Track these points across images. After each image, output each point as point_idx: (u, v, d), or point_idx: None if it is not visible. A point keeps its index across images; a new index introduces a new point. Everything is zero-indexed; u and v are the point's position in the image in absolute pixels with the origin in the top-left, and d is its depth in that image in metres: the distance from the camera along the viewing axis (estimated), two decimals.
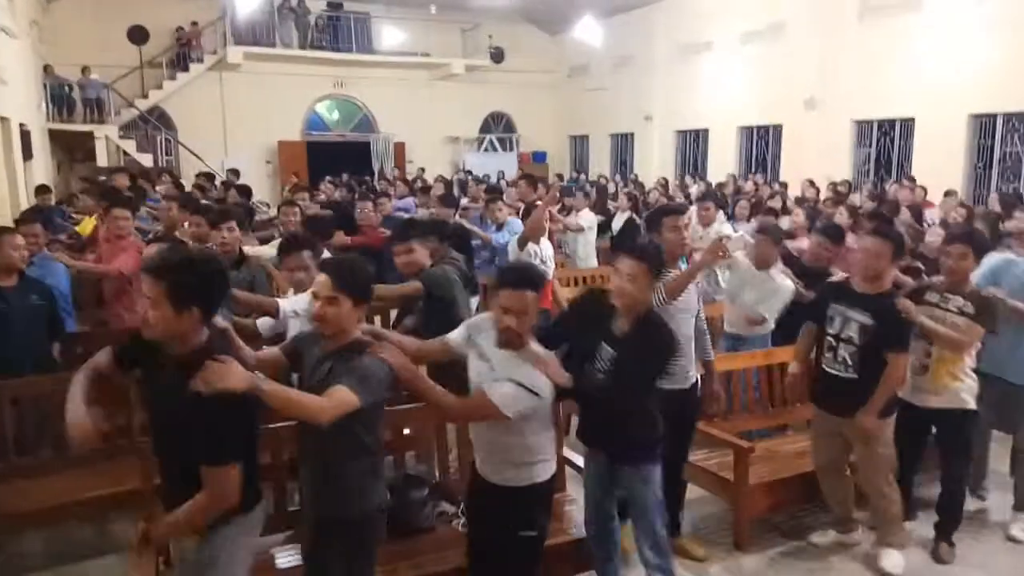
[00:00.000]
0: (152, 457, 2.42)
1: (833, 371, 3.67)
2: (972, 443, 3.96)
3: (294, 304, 3.68)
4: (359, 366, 2.36)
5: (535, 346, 2.67)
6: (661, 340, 2.96)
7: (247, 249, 4.88)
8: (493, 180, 17.34)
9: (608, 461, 3.12)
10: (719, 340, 5.34)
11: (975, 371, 3.86)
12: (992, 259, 4.33)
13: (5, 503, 3.52)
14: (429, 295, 3.97)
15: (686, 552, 3.84)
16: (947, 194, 10.22)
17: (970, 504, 4.23)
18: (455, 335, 2.85)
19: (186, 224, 5.76)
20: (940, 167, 12.01)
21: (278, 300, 3.63)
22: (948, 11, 12.04)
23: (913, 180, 11.18)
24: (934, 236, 5.57)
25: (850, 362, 3.59)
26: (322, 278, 2.46)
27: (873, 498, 3.76)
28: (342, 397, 2.27)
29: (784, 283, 4.72)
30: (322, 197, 11.11)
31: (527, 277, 2.64)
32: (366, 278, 2.55)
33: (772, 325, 4.75)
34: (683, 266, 3.75)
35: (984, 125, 12.16)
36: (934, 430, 3.93)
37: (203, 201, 8.77)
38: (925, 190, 10.55)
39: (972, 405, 3.80)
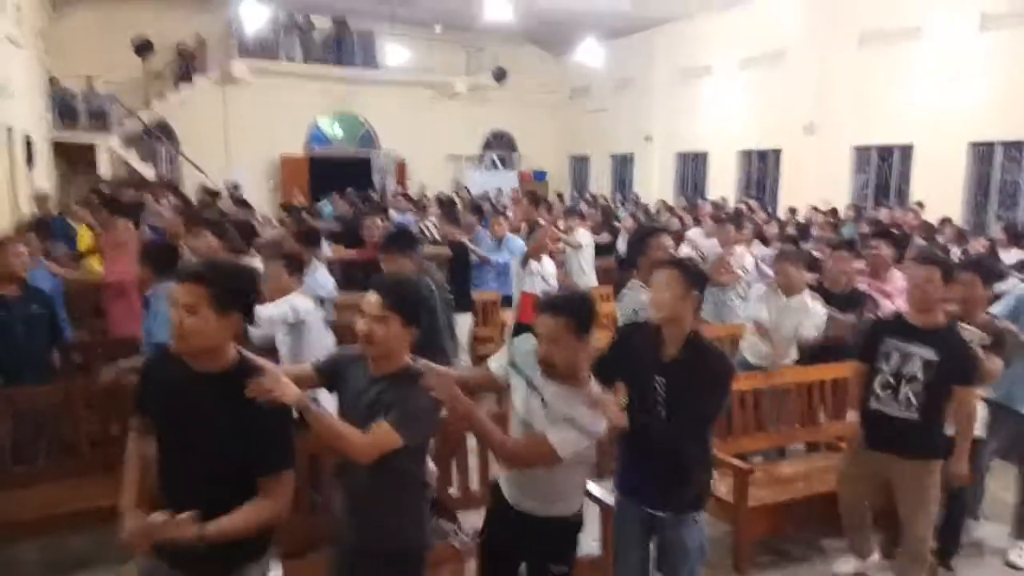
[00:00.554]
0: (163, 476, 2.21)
1: (889, 411, 3.48)
2: (977, 470, 3.95)
3: (270, 311, 3.76)
4: (408, 401, 2.29)
5: (593, 386, 2.56)
6: (714, 363, 2.77)
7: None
8: (493, 197, 17.41)
9: (651, 509, 2.91)
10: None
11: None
12: (1018, 291, 4.32)
13: (1, 511, 3.50)
14: None
15: None
16: (943, 222, 10.32)
17: (967, 529, 4.23)
18: (496, 362, 2.76)
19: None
20: (939, 194, 12.09)
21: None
22: (947, 39, 12.16)
23: (921, 205, 11.30)
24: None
25: (914, 401, 3.40)
26: (372, 296, 2.36)
27: (911, 540, 3.55)
28: (384, 438, 2.23)
29: (816, 306, 4.67)
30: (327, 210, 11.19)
31: (558, 303, 2.49)
32: (417, 299, 2.46)
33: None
34: None
35: (983, 153, 12.24)
36: None
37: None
38: (918, 214, 10.64)
39: (981, 434, 3.80)
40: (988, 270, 3.95)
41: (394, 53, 19.58)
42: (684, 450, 2.79)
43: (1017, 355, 3.83)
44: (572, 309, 2.46)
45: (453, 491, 3.72)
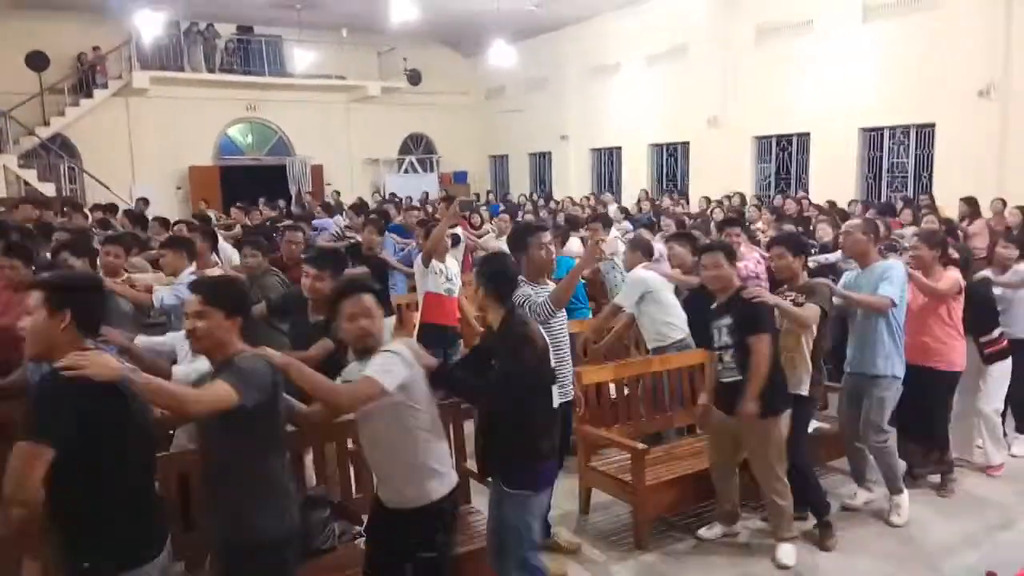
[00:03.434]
0: None
1: (726, 379, 3.92)
2: (803, 429, 4.15)
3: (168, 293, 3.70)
4: (238, 365, 2.40)
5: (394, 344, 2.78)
6: (515, 335, 3.03)
7: (136, 277, 4.83)
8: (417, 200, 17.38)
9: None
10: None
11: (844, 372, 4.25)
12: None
13: None
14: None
15: (558, 548, 3.98)
16: (851, 204, 10.93)
17: (860, 497, 4.53)
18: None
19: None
20: (834, 178, 12.75)
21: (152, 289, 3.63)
22: (835, 31, 12.80)
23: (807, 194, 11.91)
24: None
25: (732, 364, 3.86)
26: (191, 298, 2.52)
27: (766, 494, 3.95)
28: (218, 390, 2.30)
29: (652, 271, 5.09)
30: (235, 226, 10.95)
31: (357, 284, 2.85)
32: (236, 291, 2.60)
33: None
34: (550, 284, 3.87)
35: (873, 138, 12.94)
36: None
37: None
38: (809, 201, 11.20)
39: (804, 392, 4.06)
40: (797, 242, 4.39)
41: (302, 58, 19.29)
42: (491, 419, 3.04)
43: (866, 325, 4.26)
44: (363, 285, 2.83)
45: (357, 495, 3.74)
